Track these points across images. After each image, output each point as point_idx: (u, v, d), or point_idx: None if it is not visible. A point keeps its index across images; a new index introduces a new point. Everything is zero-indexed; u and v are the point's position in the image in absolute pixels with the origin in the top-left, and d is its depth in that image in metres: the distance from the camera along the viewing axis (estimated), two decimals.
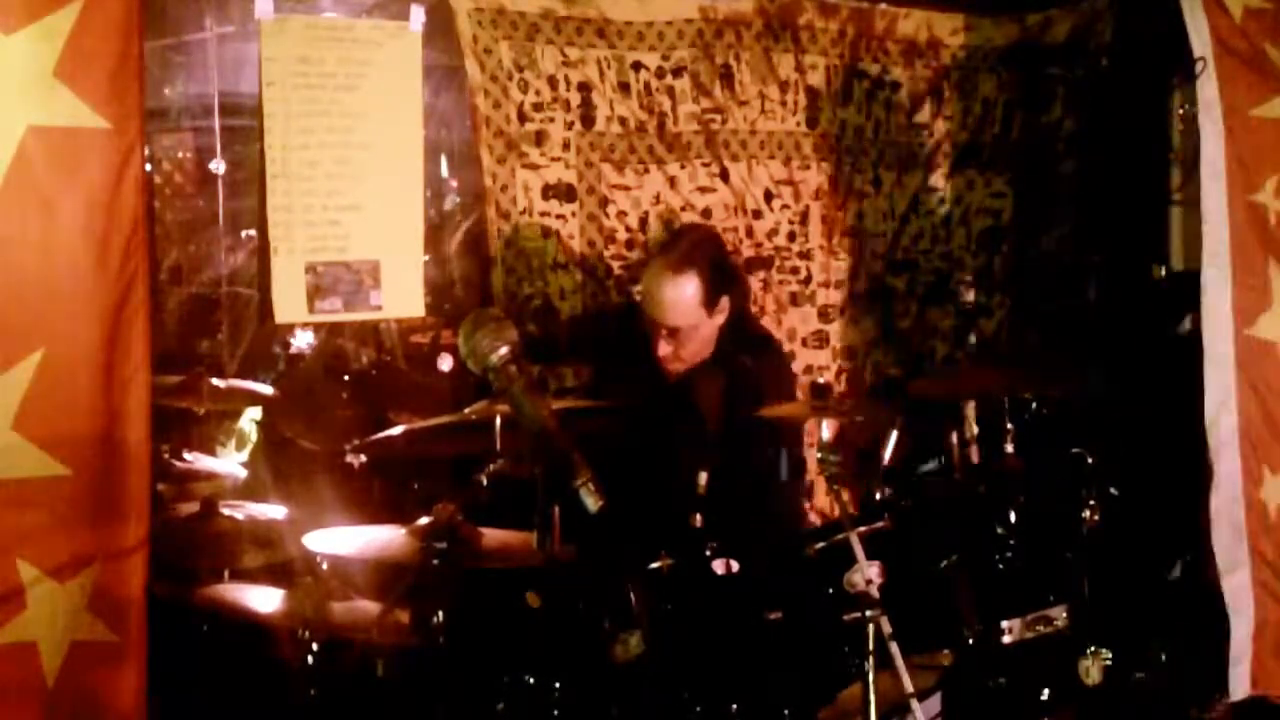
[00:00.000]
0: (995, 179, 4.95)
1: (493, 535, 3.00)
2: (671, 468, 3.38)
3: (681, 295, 3.56)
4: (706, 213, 4.38)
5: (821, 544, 3.15)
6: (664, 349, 3.61)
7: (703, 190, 4.40)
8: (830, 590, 3.07)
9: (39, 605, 2.85)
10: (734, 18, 4.38)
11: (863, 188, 4.69)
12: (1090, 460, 3.48)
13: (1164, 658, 3.58)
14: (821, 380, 3.25)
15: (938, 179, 4.83)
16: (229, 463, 4.16)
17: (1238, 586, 3.92)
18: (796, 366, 4.45)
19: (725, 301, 3.64)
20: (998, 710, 3.35)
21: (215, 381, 3.68)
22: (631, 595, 3.10)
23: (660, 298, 3.59)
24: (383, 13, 4.01)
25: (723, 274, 3.66)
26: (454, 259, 4.91)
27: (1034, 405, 3.99)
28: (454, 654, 2.97)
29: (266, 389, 4.04)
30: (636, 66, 4.26)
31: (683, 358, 3.64)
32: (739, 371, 3.64)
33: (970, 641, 3.23)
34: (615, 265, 4.26)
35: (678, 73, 4.31)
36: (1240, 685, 3.92)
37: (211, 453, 4.20)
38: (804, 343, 4.60)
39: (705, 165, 4.40)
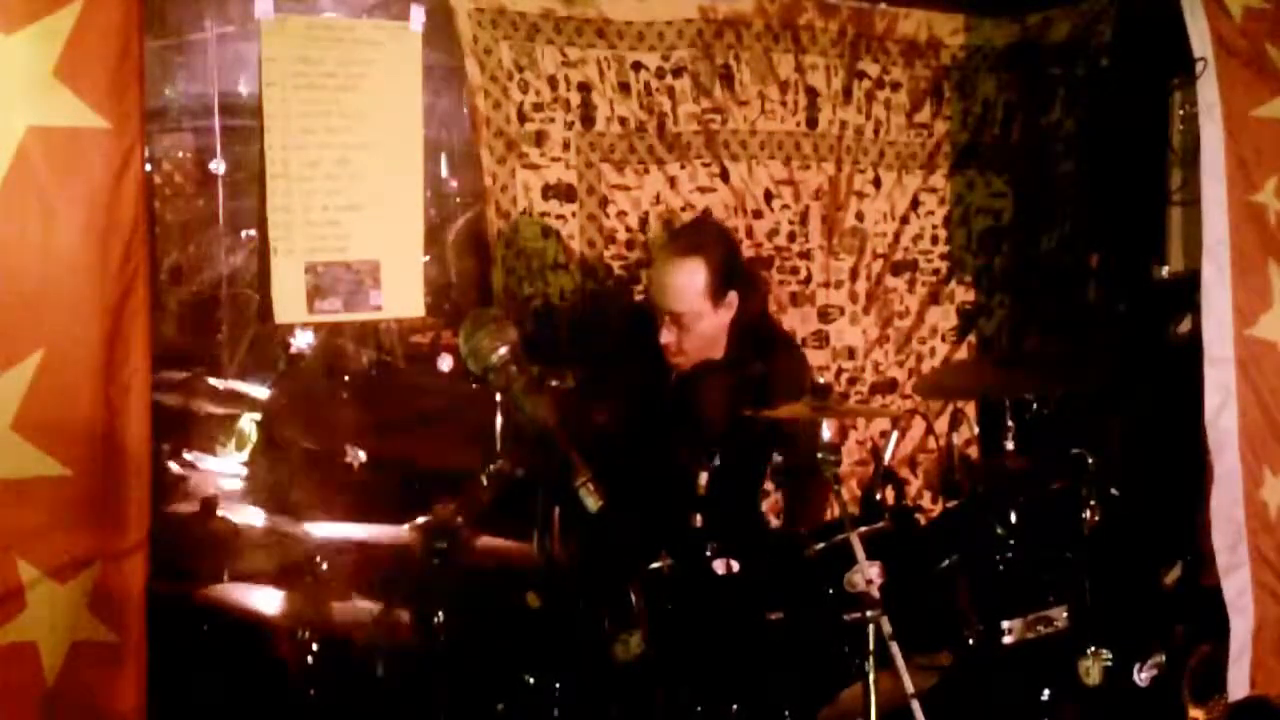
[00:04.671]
0: (995, 179, 4.95)
1: (490, 543, 3.00)
2: (672, 468, 3.37)
3: (686, 280, 3.54)
4: (706, 213, 4.38)
5: (822, 544, 3.15)
6: (666, 336, 3.57)
7: (703, 190, 4.40)
8: (830, 590, 3.07)
9: (39, 605, 2.85)
10: (734, 18, 4.37)
11: (863, 188, 4.69)
12: (1090, 460, 3.47)
13: (1164, 658, 3.58)
14: (821, 380, 3.24)
15: (938, 179, 4.83)
16: (229, 463, 4.16)
17: (1238, 586, 3.93)
18: None
19: (733, 297, 3.60)
20: (998, 710, 3.35)
21: (215, 382, 3.69)
22: (632, 595, 3.10)
23: (664, 281, 3.57)
24: (383, 13, 4.01)
25: (731, 268, 3.63)
26: (454, 259, 4.91)
27: (1034, 405, 3.99)
28: (454, 654, 2.97)
29: (266, 390, 4.05)
30: (636, 66, 4.26)
31: (685, 351, 3.61)
32: (748, 375, 3.62)
33: (970, 642, 3.23)
34: (615, 265, 4.26)
35: (678, 73, 4.31)
36: (1240, 685, 3.92)
37: (211, 453, 4.20)
38: (804, 343, 4.60)
39: (705, 165, 4.40)
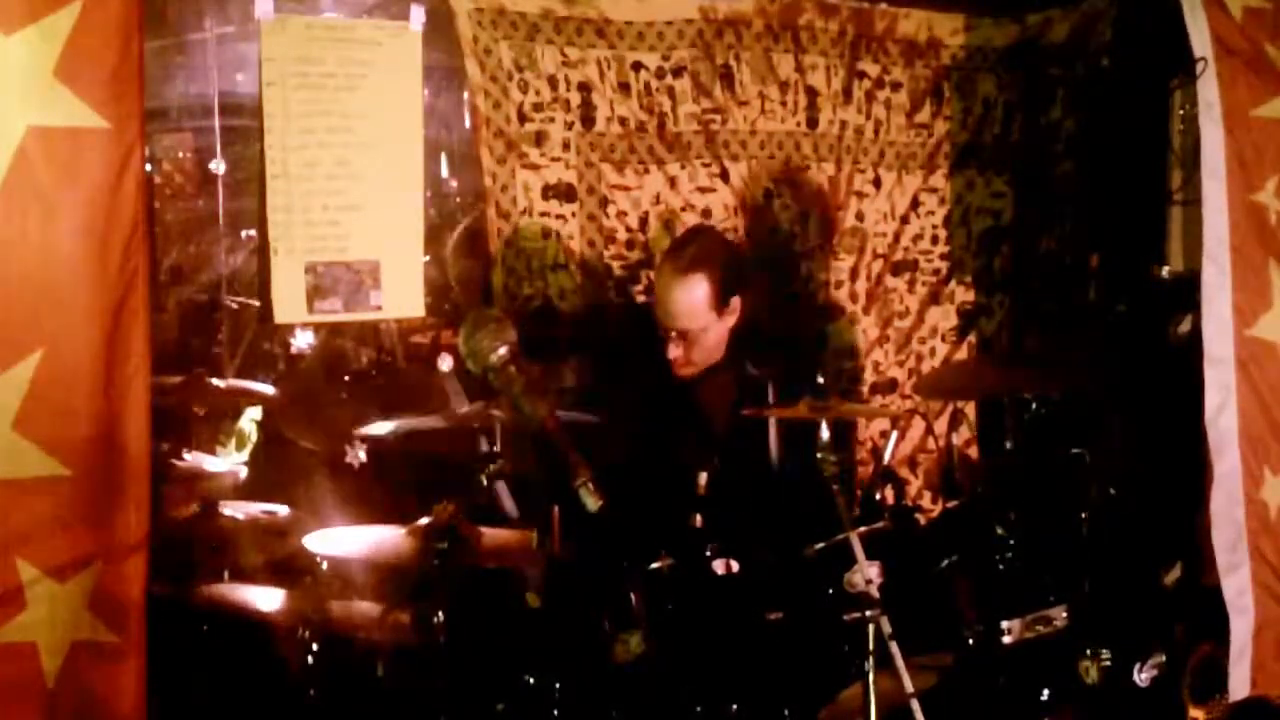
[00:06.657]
0: (995, 179, 4.95)
1: (493, 535, 3.00)
2: (672, 469, 3.38)
3: (690, 297, 3.56)
4: (706, 213, 4.38)
5: (821, 544, 3.15)
6: (673, 352, 3.60)
7: (703, 190, 4.40)
8: (830, 590, 3.07)
9: (39, 605, 2.84)
10: (734, 18, 4.37)
11: (863, 188, 4.69)
12: (1090, 460, 3.48)
13: (1164, 658, 3.58)
14: (821, 380, 3.25)
15: (938, 179, 4.83)
16: (229, 463, 4.16)
17: (1238, 586, 3.92)
18: None
19: (736, 303, 3.63)
20: (998, 710, 3.35)
21: (215, 381, 3.69)
22: (632, 595, 3.10)
23: (668, 301, 3.58)
24: (383, 13, 4.02)
25: (733, 275, 3.65)
26: (454, 259, 4.92)
27: (1034, 405, 3.99)
28: (454, 654, 2.97)
29: (267, 389, 4.05)
30: (636, 66, 4.26)
31: (693, 361, 3.63)
32: (748, 376, 3.63)
33: (970, 642, 3.23)
34: (615, 265, 4.26)
35: (678, 73, 4.31)
36: (1240, 685, 3.91)
37: (211, 453, 4.21)
38: None
39: (705, 165, 4.40)
